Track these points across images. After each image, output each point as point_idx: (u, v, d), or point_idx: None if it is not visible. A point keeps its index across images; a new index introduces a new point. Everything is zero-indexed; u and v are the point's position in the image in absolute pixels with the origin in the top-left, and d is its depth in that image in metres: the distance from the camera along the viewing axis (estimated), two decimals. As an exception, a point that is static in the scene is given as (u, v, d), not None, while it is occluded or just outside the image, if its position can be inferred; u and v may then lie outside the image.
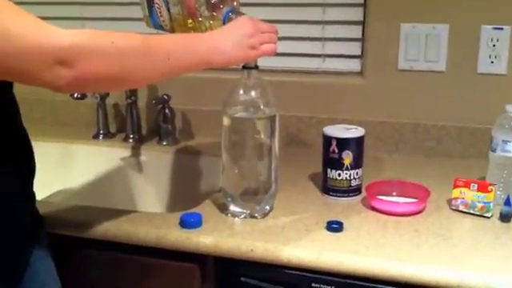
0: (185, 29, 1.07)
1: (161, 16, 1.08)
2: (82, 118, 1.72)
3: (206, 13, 1.04)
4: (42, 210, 1.04)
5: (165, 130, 1.58)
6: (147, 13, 1.10)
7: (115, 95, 1.65)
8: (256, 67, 1.06)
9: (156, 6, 1.08)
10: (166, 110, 1.56)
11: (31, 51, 0.75)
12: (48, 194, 1.41)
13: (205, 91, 1.59)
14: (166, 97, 1.55)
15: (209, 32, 1.01)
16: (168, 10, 1.07)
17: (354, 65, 1.53)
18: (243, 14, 1.05)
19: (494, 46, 1.36)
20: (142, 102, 1.65)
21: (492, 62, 1.38)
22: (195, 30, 1.06)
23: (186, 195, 1.48)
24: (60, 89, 0.80)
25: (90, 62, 0.80)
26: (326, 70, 1.55)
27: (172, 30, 1.09)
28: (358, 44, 1.51)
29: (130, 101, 1.59)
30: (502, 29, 1.35)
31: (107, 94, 1.62)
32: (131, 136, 1.61)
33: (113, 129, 1.68)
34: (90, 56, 0.80)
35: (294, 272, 0.97)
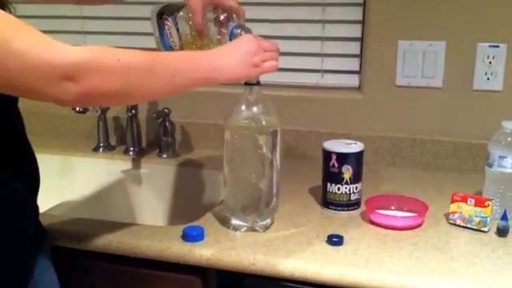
0: (193, 47, 1.10)
1: (171, 37, 1.11)
2: (83, 130, 1.73)
3: (213, 28, 1.06)
4: (44, 222, 1.05)
5: (165, 143, 1.59)
6: (158, 34, 1.13)
7: (116, 108, 1.66)
8: (258, 83, 1.07)
9: (166, 27, 1.11)
10: (167, 124, 1.58)
11: (37, 67, 0.75)
12: (48, 205, 1.41)
13: (204, 105, 1.61)
14: (166, 110, 1.57)
15: (213, 49, 1.03)
16: (177, 30, 1.10)
17: (353, 80, 1.55)
18: (248, 28, 1.07)
19: (490, 63, 1.39)
20: (142, 116, 1.66)
21: (488, 79, 1.40)
22: (203, 47, 1.09)
23: (186, 208, 1.49)
24: (65, 103, 0.80)
25: (97, 79, 0.80)
26: (324, 85, 1.57)
27: (181, 49, 1.12)
28: (357, 60, 1.53)
29: (130, 114, 1.61)
30: (497, 46, 1.38)
31: (108, 108, 1.63)
32: (131, 149, 1.62)
33: (113, 141, 1.69)
34: (97, 72, 0.80)
35: (295, 285, 0.98)
